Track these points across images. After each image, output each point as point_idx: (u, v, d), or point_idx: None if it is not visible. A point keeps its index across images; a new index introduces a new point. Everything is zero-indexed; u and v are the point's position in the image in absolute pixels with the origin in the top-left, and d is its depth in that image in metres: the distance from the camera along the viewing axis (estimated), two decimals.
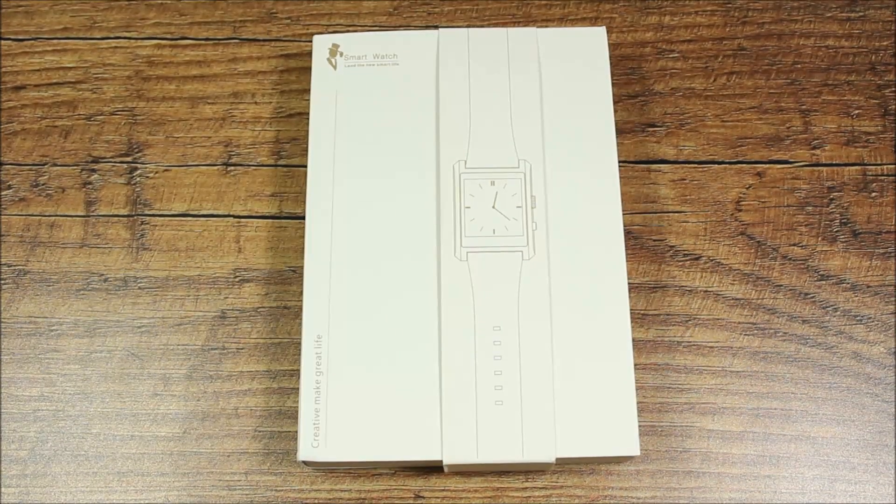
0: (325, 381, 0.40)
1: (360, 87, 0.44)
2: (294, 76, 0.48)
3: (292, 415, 0.43)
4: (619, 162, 0.45)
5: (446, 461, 0.39)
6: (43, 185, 0.47)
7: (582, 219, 0.42)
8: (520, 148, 0.43)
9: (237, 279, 0.45)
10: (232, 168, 0.47)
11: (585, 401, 0.39)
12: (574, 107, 0.44)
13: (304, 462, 0.39)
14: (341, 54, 0.45)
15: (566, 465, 0.42)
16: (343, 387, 0.40)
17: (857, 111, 0.47)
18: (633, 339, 0.44)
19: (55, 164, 0.47)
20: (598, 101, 0.44)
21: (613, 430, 0.39)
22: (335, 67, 0.44)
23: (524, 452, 0.39)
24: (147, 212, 0.46)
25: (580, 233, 0.42)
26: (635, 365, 0.43)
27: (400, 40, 0.45)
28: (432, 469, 0.42)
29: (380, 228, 0.42)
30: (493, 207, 0.42)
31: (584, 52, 0.45)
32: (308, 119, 0.46)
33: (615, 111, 0.47)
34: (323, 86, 0.44)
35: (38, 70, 0.49)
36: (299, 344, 0.43)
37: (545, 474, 0.42)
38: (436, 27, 0.49)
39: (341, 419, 0.39)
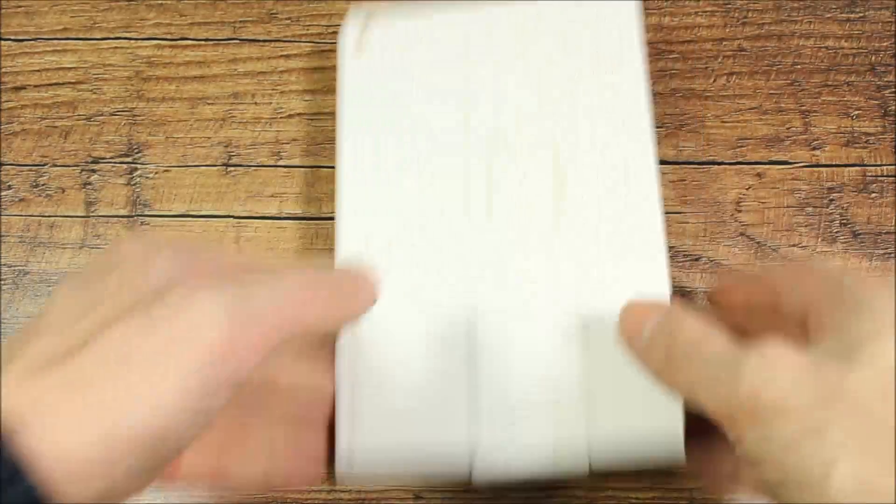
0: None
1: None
2: (294, 76, 0.48)
3: None
4: None
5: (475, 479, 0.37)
6: (43, 185, 0.47)
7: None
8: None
9: None
10: (232, 168, 0.47)
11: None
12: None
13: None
14: None
15: None
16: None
17: (856, 112, 0.47)
18: None
19: (55, 165, 0.47)
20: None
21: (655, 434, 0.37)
22: None
23: None
24: (147, 212, 0.46)
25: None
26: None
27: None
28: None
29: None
30: None
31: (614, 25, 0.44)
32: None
33: None
34: None
35: (38, 70, 0.49)
36: None
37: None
38: None
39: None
